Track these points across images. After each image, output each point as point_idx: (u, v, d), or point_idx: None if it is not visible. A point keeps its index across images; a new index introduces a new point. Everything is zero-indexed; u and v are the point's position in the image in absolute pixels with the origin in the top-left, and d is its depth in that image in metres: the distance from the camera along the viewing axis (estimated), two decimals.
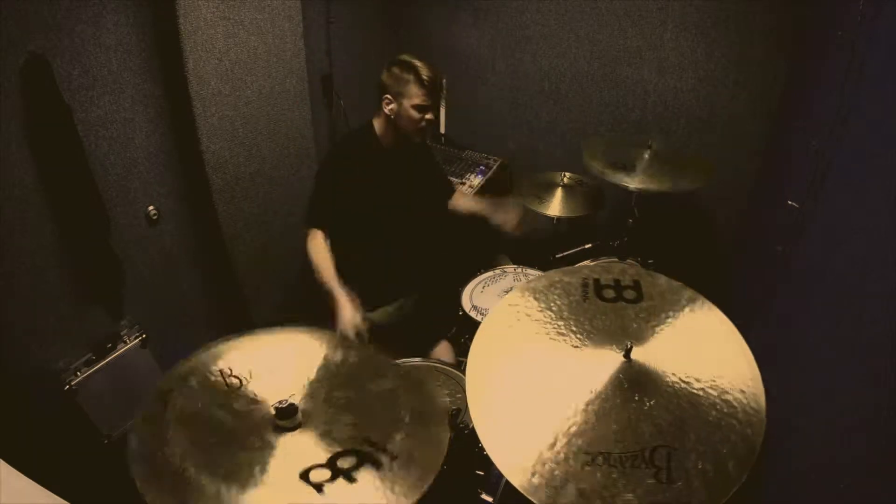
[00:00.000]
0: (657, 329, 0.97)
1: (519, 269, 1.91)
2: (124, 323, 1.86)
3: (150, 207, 1.88)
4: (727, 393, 0.87)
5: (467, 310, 1.73)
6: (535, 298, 1.04)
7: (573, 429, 0.82)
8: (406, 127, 1.74)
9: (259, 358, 0.99)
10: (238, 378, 0.93)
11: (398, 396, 0.94)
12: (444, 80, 2.77)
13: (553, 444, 0.80)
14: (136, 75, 1.74)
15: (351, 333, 1.49)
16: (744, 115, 2.27)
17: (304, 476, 0.78)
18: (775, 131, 2.18)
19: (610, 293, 1.04)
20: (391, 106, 1.72)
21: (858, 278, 1.10)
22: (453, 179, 2.59)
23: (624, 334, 0.95)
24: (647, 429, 0.82)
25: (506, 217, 1.88)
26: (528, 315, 1.01)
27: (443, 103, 2.88)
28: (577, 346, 0.95)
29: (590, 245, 2.41)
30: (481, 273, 1.97)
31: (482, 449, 1.27)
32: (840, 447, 1.05)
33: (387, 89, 1.72)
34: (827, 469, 1.07)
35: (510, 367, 0.93)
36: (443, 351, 1.89)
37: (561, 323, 0.99)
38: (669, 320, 0.98)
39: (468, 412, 0.89)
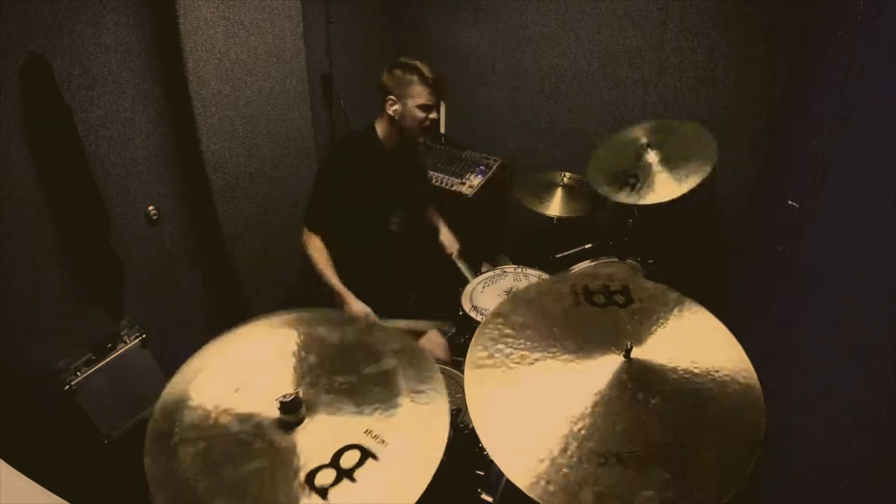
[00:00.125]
0: (651, 330, 0.99)
1: (519, 269, 1.91)
2: (124, 323, 1.86)
3: (150, 207, 1.88)
4: (726, 385, 0.89)
5: (467, 310, 1.73)
6: (528, 307, 1.05)
7: (583, 432, 0.83)
8: (411, 127, 1.76)
9: (248, 357, 0.96)
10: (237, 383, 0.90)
11: (397, 376, 0.91)
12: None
13: (565, 449, 0.80)
14: (136, 75, 1.75)
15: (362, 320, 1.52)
16: (744, 115, 2.27)
17: (311, 481, 0.76)
18: (775, 131, 2.18)
19: (600, 298, 1.06)
20: (395, 107, 1.74)
21: (858, 278, 1.10)
22: (453, 179, 2.60)
23: (620, 336, 0.96)
24: (656, 425, 0.84)
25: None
26: (522, 324, 1.01)
27: (443, 103, 2.88)
28: (574, 351, 0.95)
29: (590, 245, 2.40)
30: (481, 273, 1.97)
31: (482, 449, 1.28)
32: (840, 447, 1.05)
33: (390, 91, 1.73)
34: (827, 469, 1.07)
35: (509, 380, 0.93)
36: (435, 344, 1.89)
37: (556, 329, 1.00)
38: (661, 321, 1.01)
39: (468, 412, 0.89)
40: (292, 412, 0.83)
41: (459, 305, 1.80)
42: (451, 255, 2.05)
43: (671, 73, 2.35)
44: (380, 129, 1.81)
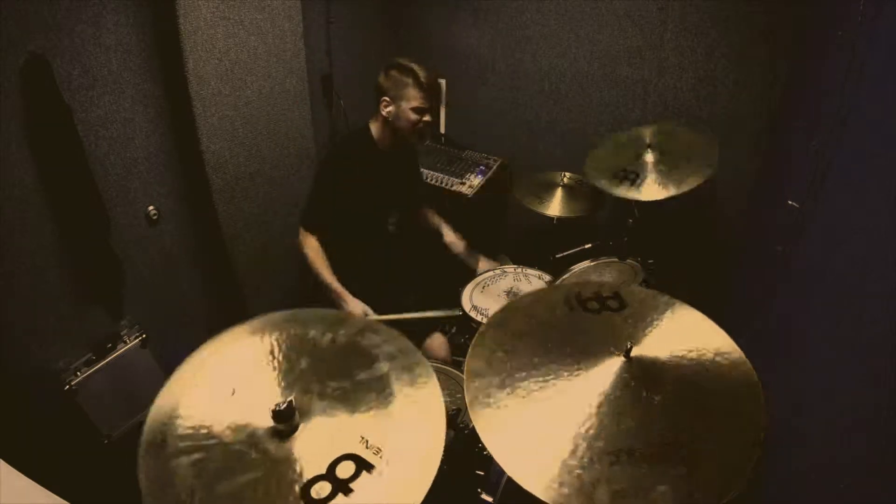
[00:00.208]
0: (647, 331, 1.00)
1: (519, 269, 1.91)
2: (124, 323, 1.86)
3: (150, 207, 1.88)
4: (725, 378, 0.91)
5: (467, 310, 1.73)
6: (524, 316, 1.06)
7: (591, 432, 0.83)
8: (404, 129, 1.77)
9: (237, 363, 0.93)
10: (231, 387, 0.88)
11: (391, 382, 0.90)
12: (444, 82, 2.80)
13: (575, 450, 0.80)
14: (136, 75, 1.75)
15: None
16: (744, 115, 2.27)
17: (305, 495, 0.74)
18: (775, 131, 2.18)
19: (594, 305, 1.07)
20: (389, 108, 1.74)
21: (858, 278, 1.10)
22: (453, 179, 2.60)
23: (618, 338, 0.97)
24: (662, 421, 0.85)
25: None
26: (520, 332, 1.02)
27: (443, 103, 2.88)
28: (574, 354, 0.96)
29: (590, 245, 2.40)
30: (481, 273, 1.97)
31: (482, 449, 1.28)
32: (840, 447, 1.05)
33: (385, 92, 1.74)
34: (827, 469, 1.07)
35: (510, 386, 0.92)
36: (436, 343, 1.90)
37: (554, 334, 1.01)
38: (655, 322, 1.02)
39: (468, 412, 0.89)
40: (286, 420, 0.80)
41: (459, 305, 1.80)
42: (460, 254, 2.04)
43: (671, 73, 2.35)
44: (374, 129, 1.82)
